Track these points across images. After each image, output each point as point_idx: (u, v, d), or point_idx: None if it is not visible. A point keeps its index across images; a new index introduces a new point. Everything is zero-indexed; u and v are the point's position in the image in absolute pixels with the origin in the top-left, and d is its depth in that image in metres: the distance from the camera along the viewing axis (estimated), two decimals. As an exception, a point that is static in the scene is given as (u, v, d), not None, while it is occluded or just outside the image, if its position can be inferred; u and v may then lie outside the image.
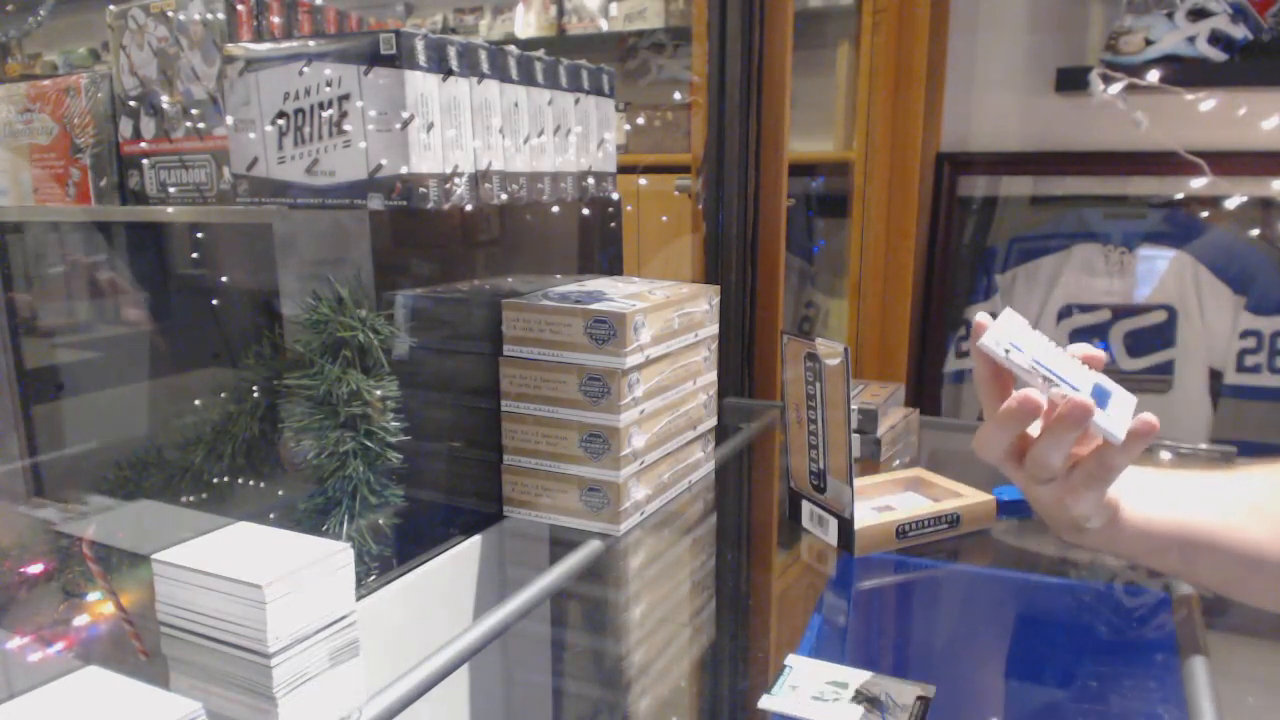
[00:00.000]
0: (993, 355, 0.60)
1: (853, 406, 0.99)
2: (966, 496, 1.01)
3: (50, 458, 1.20)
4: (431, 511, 0.94)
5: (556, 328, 0.94)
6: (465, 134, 0.94)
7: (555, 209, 1.11)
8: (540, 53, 1.07)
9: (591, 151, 1.18)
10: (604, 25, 2.60)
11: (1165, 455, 1.38)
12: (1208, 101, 1.70)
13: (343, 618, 0.66)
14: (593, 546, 0.95)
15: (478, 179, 0.97)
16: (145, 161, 1.13)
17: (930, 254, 2.04)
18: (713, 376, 1.15)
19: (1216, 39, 1.67)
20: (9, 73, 1.71)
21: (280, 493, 0.93)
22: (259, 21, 1.08)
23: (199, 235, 1.18)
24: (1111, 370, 1.96)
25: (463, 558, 0.95)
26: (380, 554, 0.85)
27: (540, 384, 0.96)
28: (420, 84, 0.87)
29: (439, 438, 0.94)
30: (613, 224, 1.25)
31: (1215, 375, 1.82)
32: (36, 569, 0.84)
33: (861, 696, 0.67)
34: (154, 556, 0.66)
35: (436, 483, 0.94)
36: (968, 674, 0.78)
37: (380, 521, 0.84)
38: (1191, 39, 1.68)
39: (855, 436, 1.13)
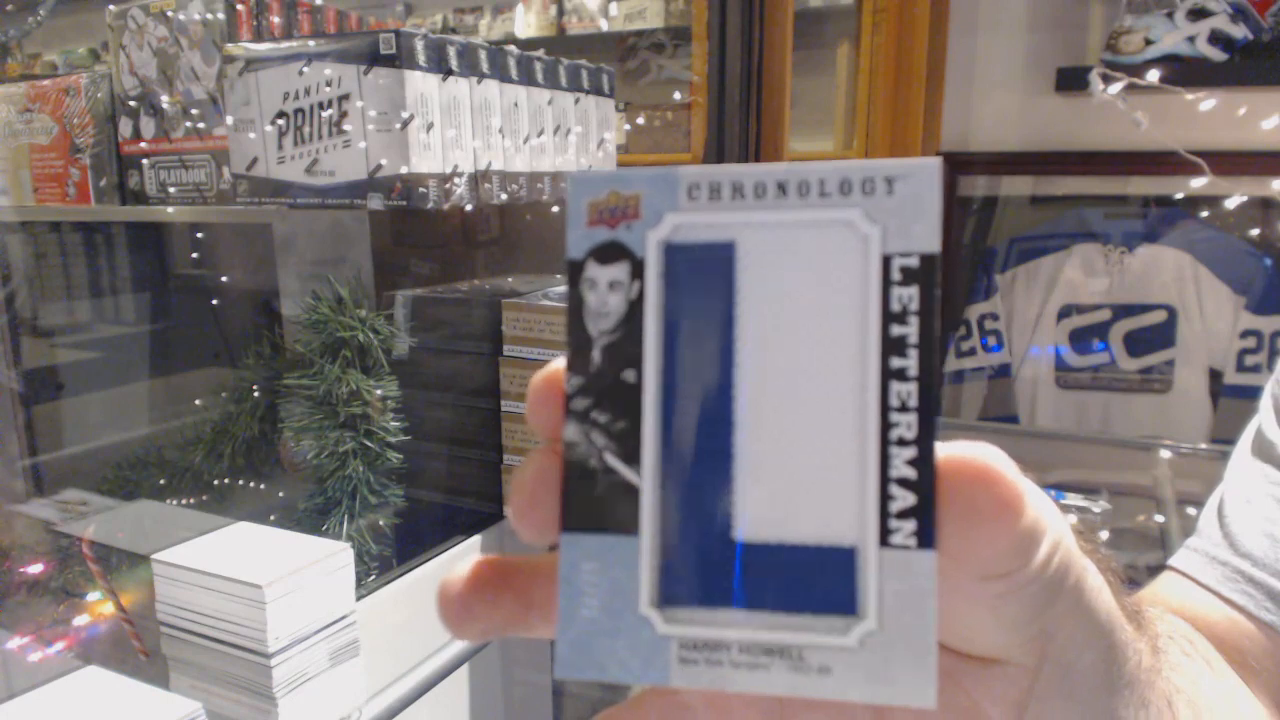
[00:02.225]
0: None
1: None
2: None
3: (50, 457, 1.20)
4: (431, 511, 0.94)
5: (556, 328, 0.94)
6: (465, 134, 0.94)
7: (555, 209, 1.11)
8: (540, 53, 1.07)
9: (591, 151, 1.18)
10: (604, 25, 2.60)
11: (1166, 455, 1.38)
12: (1208, 101, 1.70)
13: (343, 618, 0.67)
14: (593, 546, 0.95)
15: (477, 179, 0.97)
16: (145, 161, 1.13)
17: (930, 254, 2.04)
18: (713, 376, 1.14)
19: (1216, 39, 1.66)
20: (9, 73, 1.71)
21: (280, 493, 0.93)
22: (259, 21, 1.08)
23: (199, 235, 1.18)
24: (1112, 370, 1.98)
25: (463, 558, 0.95)
26: (380, 554, 0.85)
27: (540, 384, 0.96)
28: (420, 84, 0.87)
29: (439, 438, 0.94)
30: (613, 224, 1.25)
31: (1215, 375, 1.81)
32: (36, 569, 0.84)
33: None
34: (154, 556, 0.66)
35: (436, 483, 0.94)
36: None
37: (380, 521, 0.84)
38: (1191, 39, 1.68)
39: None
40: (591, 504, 0.19)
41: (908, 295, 0.18)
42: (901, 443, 0.18)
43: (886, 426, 0.18)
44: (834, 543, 0.18)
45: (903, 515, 0.18)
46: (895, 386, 0.18)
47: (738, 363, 0.19)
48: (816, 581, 0.19)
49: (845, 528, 0.18)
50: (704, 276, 0.19)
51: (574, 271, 0.20)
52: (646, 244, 0.20)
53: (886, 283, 0.18)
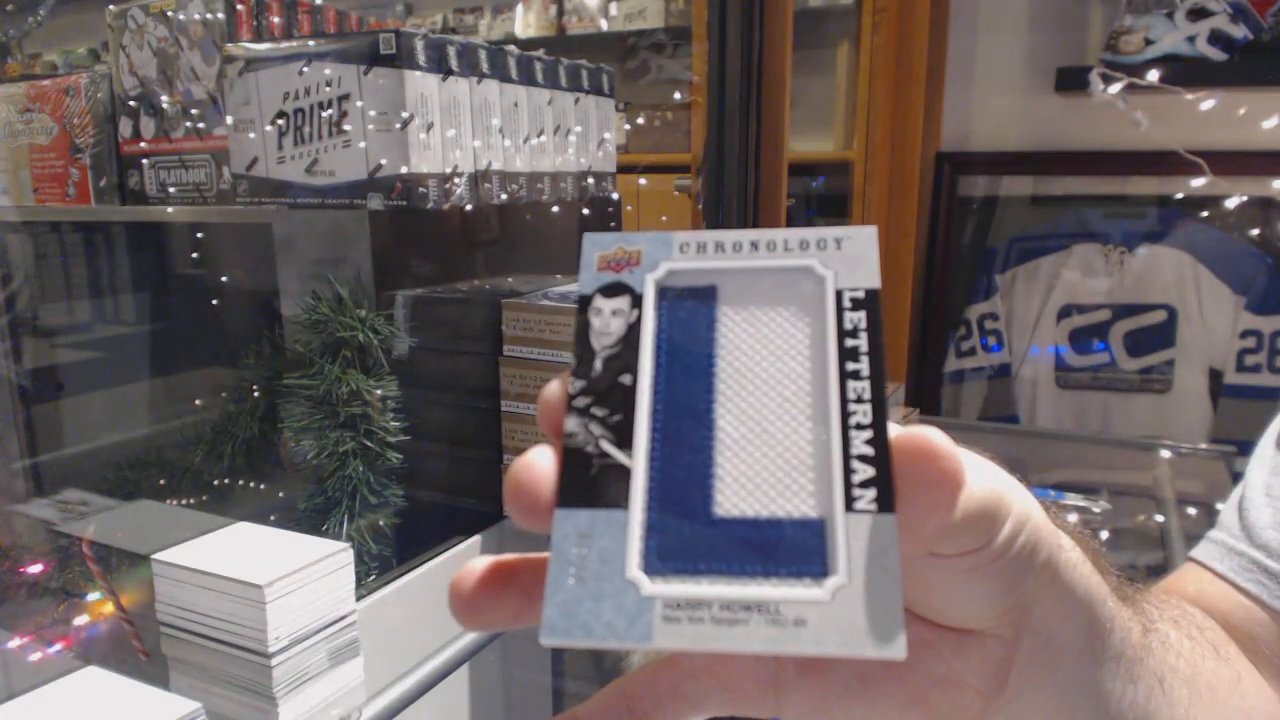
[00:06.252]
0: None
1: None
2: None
3: (50, 457, 1.20)
4: (431, 511, 0.94)
5: (556, 328, 0.94)
6: (465, 134, 0.94)
7: (555, 209, 1.11)
8: (540, 53, 1.07)
9: (591, 151, 1.18)
10: (604, 25, 2.60)
11: (1166, 455, 1.38)
12: (1208, 101, 1.70)
13: (343, 618, 0.67)
14: (593, 546, 0.94)
15: (477, 179, 0.97)
16: (145, 161, 1.13)
17: (930, 254, 2.04)
18: (713, 376, 1.14)
19: (1216, 39, 1.67)
20: (9, 73, 1.71)
21: (280, 493, 0.92)
22: (259, 21, 1.08)
23: (199, 235, 1.18)
24: (1112, 370, 1.97)
25: (462, 558, 0.95)
26: (380, 554, 0.85)
27: (540, 384, 0.96)
28: (420, 84, 0.87)
29: (439, 438, 0.94)
30: (612, 224, 1.25)
31: (1215, 375, 1.81)
32: (36, 569, 0.84)
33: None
34: (154, 556, 0.66)
35: (436, 483, 0.94)
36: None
37: (380, 521, 0.84)
38: (1191, 39, 1.68)
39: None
40: (586, 483, 0.21)
41: (858, 317, 0.23)
42: (859, 427, 0.21)
43: (846, 415, 0.22)
44: (805, 515, 0.21)
45: (864, 485, 0.21)
46: (851, 384, 0.22)
47: (718, 370, 0.23)
48: (791, 548, 0.21)
49: (814, 502, 0.21)
50: (691, 303, 0.24)
51: (583, 303, 0.24)
52: (645, 282, 0.24)
53: (840, 309, 0.23)
